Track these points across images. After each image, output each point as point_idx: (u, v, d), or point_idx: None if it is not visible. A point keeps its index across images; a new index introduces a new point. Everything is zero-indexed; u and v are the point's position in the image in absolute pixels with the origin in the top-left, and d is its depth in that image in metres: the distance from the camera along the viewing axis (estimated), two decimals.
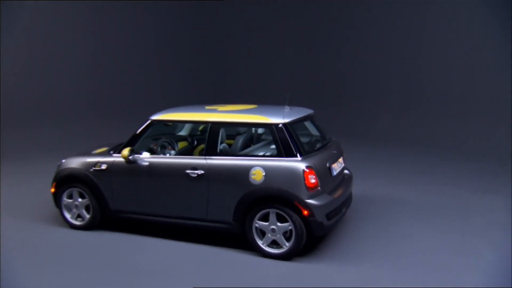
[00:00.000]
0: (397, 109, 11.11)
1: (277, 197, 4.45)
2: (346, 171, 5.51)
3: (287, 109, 5.07)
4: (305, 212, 4.37)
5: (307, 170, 4.39)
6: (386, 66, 11.48)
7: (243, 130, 5.47)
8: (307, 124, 5.31)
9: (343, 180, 5.22)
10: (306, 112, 5.16)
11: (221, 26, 14.73)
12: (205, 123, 4.95)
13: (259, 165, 4.52)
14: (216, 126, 4.82)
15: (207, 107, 5.37)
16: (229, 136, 5.65)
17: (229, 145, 5.44)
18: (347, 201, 5.07)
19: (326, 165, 4.73)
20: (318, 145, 4.92)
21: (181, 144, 6.04)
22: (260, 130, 5.95)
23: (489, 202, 6.09)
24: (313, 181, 4.41)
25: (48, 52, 10.99)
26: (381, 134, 10.91)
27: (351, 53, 12.21)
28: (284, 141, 4.54)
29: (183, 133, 6.29)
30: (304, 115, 5.02)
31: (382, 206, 6.03)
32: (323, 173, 4.61)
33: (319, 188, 4.46)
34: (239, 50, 14.62)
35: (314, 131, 5.33)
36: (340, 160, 5.19)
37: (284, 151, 4.51)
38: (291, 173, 4.41)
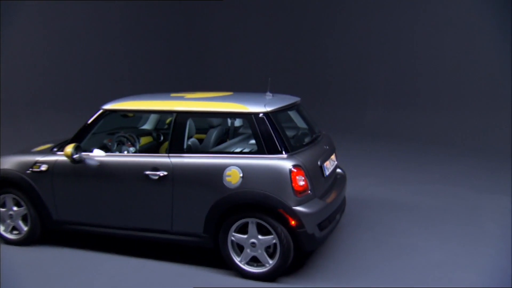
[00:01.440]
0: (386, 101, 10.37)
1: (257, 203, 3.60)
2: (338, 170, 4.69)
3: (269, 96, 4.21)
4: (293, 222, 3.53)
5: (295, 170, 3.55)
6: (374, 56, 10.69)
7: (217, 122, 4.59)
8: (293, 114, 4.47)
9: (336, 180, 4.40)
10: (292, 99, 4.31)
11: (201, 12, 13.64)
12: (169, 113, 4.04)
13: (235, 164, 3.66)
14: (182, 116, 3.92)
15: (172, 95, 4.47)
16: (200, 130, 4.76)
17: (200, 140, 4.56)
18: (341, 206, 4.26)
19: (317, 163, 3.89)
20: (306, 140, 4.07)
21: (144, 140, 5.12)
22: (237, 122, 5.08)
23: (495, 203, 5.39)
24: (301, 183, 3.57)
25: (45, 50, 10.50)
26: (369, 128, 10.13)
27: (337, 41, 11.38)
28: (266, 134, 3.68)
29: (147, 126, 5.37)
30: (289, 103, 4.17)
31: (377, 210, 5.25)
32: (314, 173, 3.77)
33: (309, 191, 3.62)
34: (219, 39, 13.60)
35: (301, 122, 4.48)
36: (333, 157, 4.36)
37: (266, 147, 3.66)
38: (275, 174, 3.57)
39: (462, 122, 9.07)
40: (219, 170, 3.68)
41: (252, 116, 3.74)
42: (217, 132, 4.56)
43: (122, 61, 12.43)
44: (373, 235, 4.52)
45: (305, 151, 3.83)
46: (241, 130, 5.04)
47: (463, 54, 9.24)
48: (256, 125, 3.71)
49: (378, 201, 5.54)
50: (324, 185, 3.96)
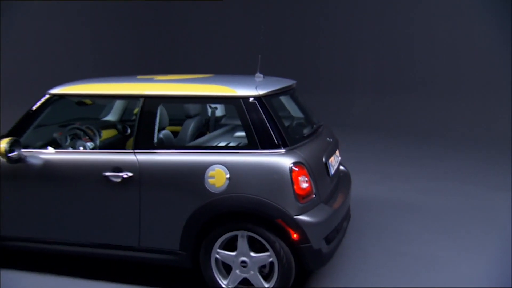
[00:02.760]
0: (378, 92, 9.62)
1: (249, 212, 2.82)
2: (341, 167, 3.95)
3: (259, 77, 3.42)
4: (295, 236, 2.77)
5: (296, 169, 2.79)
6: (365, 43, 9.90)
7: (195, 111, 3.78)
8: (286, 100, 3.70)
9: (340, 180, 3.66)
10: (287, 82, 3.53)
11: None
12: (134, 98, 3.20)
13: (220, 162, 2.86)
14: (151, 102, 3.09)
15: (139, 77, 3.63)
16: (173, 121, 3.94)
17: (174, 134, 3.75)
18: (347, 211, 3.52)
19: (322, 159, 3.14)
20: (305, 131, 3.30)
21: (107, 134, 4.27)
22: (219, 111, 4.28)
23: (504, 201, 4.77)
24: (305, 185, 2.81)
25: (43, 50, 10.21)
26: (361, 119, 9.36)
27: (327, 28, 10.51)
28: (258, 123, 2.89)
29: (111, 117, 4.51)
30: (285, 85, 3.39)
31: (382, 212, 4.55)
32: (319, 172, 3.02)
33: (313, 196, 2.87)
34: (195, 22, 12.52)
35: (295, 111, 3.71)
36: (337, 152, 3.61)
37: (259, 140, 2.87)
38: (271, 174, 2.79)
39: (460, 113, 8.46)
40: (200, 170, 2.88)
41: (241, 100, 2.95)
42: (195, 123, 3.75)
43: (120, 57, 11.77)
44: (381, 245, 3.81)
45: (306, 145, 3.07)
46: (223, 121, 4.25)
47: (461, 41, 8.59)
48: (246, 113, 2.92)
49: (381, 201, 4.84)
50: (329, 187, 3.21)
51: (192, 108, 3.74)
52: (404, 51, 9.44)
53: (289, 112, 3.73)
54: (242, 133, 3.72)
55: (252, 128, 2.89)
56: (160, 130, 3.32)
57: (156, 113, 3.08)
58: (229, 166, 2.84)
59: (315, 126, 3.45)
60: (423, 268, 3.41)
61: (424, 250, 3.70)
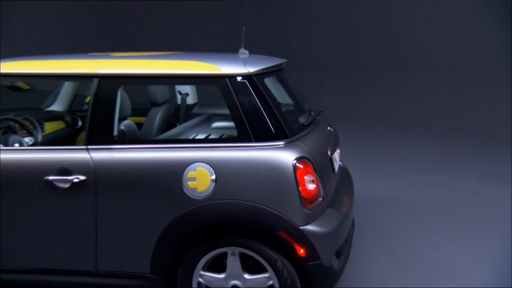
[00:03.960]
0: (365, 77, 8.94)
1: (242, 223, 2.20)
2: (339, 163, 3.38)
3: (244, 53, 2.77)
4: (302, 251, 2.17)
5: (301, 166, 2.18)
6: (343, 27, 9.23)
7: (163, 97, 3.08)
8: (271, 83, 3.07)
9: (342, 177, 3.08)
10: (277, 60, 2.89)
11: None
12: (85, 78, 2.47)
13: (202, 160, 2.21)
14: (109, 84, 2.37)
15: (91, 54, 2.90)
16: (135, 111, 3.23)
17: (138, 125, 3.05)
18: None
19: (327, 153, 2.56)
20: (304, 119, 2.69)
21: (52, 127, 3.50)
22: (191, 98, 3.61)
23: (503, 194, 4.41)
24: (311, 186, 2.21)
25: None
26: (339, 108, 8.68)
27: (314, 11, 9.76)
28: (251, 110, 2.26)
29: (57, 107, 3.72)
30: (277, 63, 2.76)
31: (378, 211, 4.05)
32: (325, 169, 2.43)
33: (321, 199, 2.28)
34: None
35: (284, 96, 3.09)
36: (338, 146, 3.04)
37: (253, 131, 2.24)
38: (270, 174, 2.17)
39: (447, 102, 8.04)
40: (176, 171, 2.22)
41: (227, 80, 2.30)
42: (164, 112, 3.07)
43: None
44: (385, 247, 3.32)
45: (308, 135, 2.47)
46: (196, 110, 3.58)
47: (455, 30, 8.12)
48: (235, 96, 2.27)
49: (374, 198, 4.33)
50: (334, 186, 2.64)
51: (159, 93, 3.04)
52: (395, 38, 8.76)
53: (279, 97, 3.12)
54: (222, 124, 3.09)
55: (243, 116, 2.25)
56: (120, 120, 2.61)
57: (116, 97, 2.37)
58: (214, 165, 2.20)
59: (313, 113, 2.85)
60: (422, 267, 3.03)
61: (423, 250, 3.29)
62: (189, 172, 2.20)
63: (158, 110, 3.05)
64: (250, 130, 2.24)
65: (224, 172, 2.19)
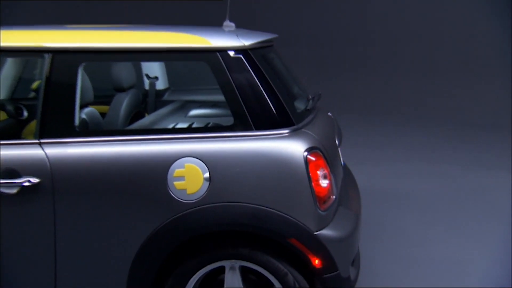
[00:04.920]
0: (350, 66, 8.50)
1: (244, 230, 1.79)
2: None
3: (230, 26, 2.33)
4: (317, 262, 1.79)
5: (313, 158, 1.80)
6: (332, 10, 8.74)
7: (129, 80, 2.59)
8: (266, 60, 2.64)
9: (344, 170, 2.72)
10: (268, 35, 2.47)
11: None
12: (33, 53, 1.94)
13: (192, 154, 1.77)
14: (66, 60, 1.87)
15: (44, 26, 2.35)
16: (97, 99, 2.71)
17: (102, 115, 2.55)
18: None
19: (335, 143, 2.19)
20: (304, 104, 2.29)
21: None
22: (161, 83, 3.13)
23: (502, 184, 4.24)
24: (325, 182, 1.83)
25: None
26: (327, 97, 8.20)
27: None
28: (249, 91, 1.84)
29: None
30: (270, 37, 2.34)
31: (377, 206, 3.74)
32: (335, 161, 2.07)
33: (334, 196, 1.91)
34: None
35: (279, 77, 2.67)
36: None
37: (252, 117, 1.83)
38: (278, 168, 1.77)
39: (438, 92, 7.80)
40: (159, 168, 1.76)
41: (218, 55, 1.86)
42: (130, 98, 2.58)
43: None
44: (391, 246, 3.03)
45: (314, 122, 2.08)
46: (167, 96, 3.11)
47: (446, 22, 7.91)
48: (228, 74, 1.84)
49: (371, 192, 4.02)
50: (341, 181, 2.28)
51: (125, 76, 2.54)
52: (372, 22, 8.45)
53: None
54: (202, 111, 2.65)
55: (240, 98, 1.83)
56: (82, 107, 2.11)
57: (76, 78, 1.87)
58: (207, 159, 1.77)
59: (311, 96, 2.46)
60: (420, 267, 2.81)
61: (421, 248, 3.06)
62: (176, 170, 1.76)
63: (124, 97, 2.56)
64: (249, 116, 1.82)
65: (220, 168, 1.76)
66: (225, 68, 1.84)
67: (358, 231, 2.07)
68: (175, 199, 1.76)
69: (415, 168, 4.72)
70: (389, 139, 5.98)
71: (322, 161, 1.84)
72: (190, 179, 1.76)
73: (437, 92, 7.83)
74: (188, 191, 1.76)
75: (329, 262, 1.79)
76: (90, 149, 1.80)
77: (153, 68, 3.04)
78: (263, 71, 1.89)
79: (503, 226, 3.37)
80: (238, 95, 1.83)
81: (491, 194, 4.01)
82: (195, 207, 1.76)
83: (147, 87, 3.06)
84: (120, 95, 2.56)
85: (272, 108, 1.84)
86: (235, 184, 1.76)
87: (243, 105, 1.82)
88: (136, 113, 2.76)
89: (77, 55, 1.87)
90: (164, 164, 1.76)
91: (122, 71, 2.53)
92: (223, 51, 1.86)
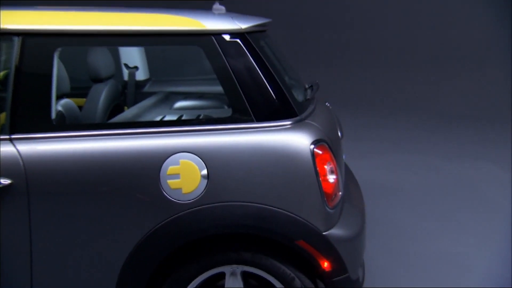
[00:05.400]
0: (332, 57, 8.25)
1: (247, 233, 1.62)
2: None
3: (220, 10, 2.14)
4: (326, 264, 1.64)
5: (320, 152, 1.65)
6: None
7: (107, 70, 2.36)
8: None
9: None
10: (261, 19, 2.29)
11: None
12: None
13: (187, 149, 1.59)
14: (39, 44, 1.64)
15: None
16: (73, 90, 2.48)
17: (79, 107, 2.32)
18: None
19: (338, 134, 2.05)
20: (302, 94, 2.12)
21: None
22: (141, 73, 2.91)
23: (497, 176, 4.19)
24: (332, 178, 1.69)
25: None
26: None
27: None
28: (249, 78, 1.67)
29: None
30: (264, 21, 2.16)
31: (370, 198, 3.61)
32: (338, 154, 1.92)
33: (340, 192, 1.77)
34: None
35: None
36: None
37: (253, 107, 1.66)
38: (284, 163, 1.61)
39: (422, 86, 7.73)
40: (151, 165, 1.57)
41: (213, 39, 1.67)
42: (109, 90, 2.37)
43: None
44: (384, 240, 2.93)
45: (315, 112, 1.93)
46: (148, 88, 2.89)
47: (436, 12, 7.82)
48: (225, 60, 1.66)
49: (367, 186, 3.91)
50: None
51: (103, 65, 2.32)
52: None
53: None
54: (189, 103, 2.46)
55: (238, 87, 1.65)
56: (58, 98, 1.89)
57: (52, 65, 1.65)
58: (204, 155, 1.59)
59: (308, 86, 2.31)
60: (415, 261, 2.71)
61: (416, 242, 2.97)
62: (169, 167, 1.57)
63: (102, 88, 2.34)
64: (249, 107, 1.65)
65: (219, 164, 1.59)
66: (221, 54, 1.66)
67: (365, 229, 1.94)
68: (169, 199, 1.57)
69: (401, 160, 4.65)
70: (375, 132, 5.89)
71: (329, 155, 1.69)
72: (185, 177, 1.57)
73: (420, 84, 7.74)
74: (184, 190, 1.57)
75: (338, 265, 1.65)
76: (70, 145, 1.59)
77: (132, 57, 2.82)
78: (262, 57, 1.72)
79: (496, 220, 3.32)
80: (237, 83, 1.65)
81: (478, 185, 3.97)
82: (191, 208, 1.58)
83: (126, 77, 2.83)
84: (98, 86, 2.34)
85: (274, 97, 1.68)
86: (236, 182, 1.59)
87: (242, 95, 1.65)
88: (115, 106, 2.54)
89: (52, 38, 1.64)
90: (156, 161, 1.57)
91: (99, 60, 2.30)
92: (219, 34, 1.68)
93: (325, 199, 1.64)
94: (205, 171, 1.57)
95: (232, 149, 1.60)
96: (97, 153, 1.58)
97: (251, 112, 1.64)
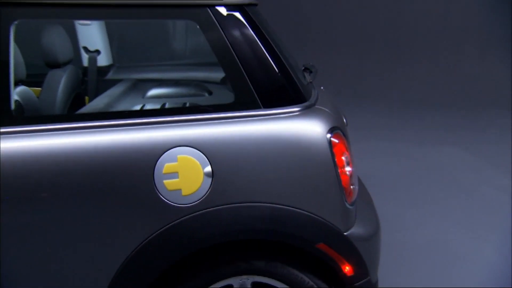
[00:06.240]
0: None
1: (260, 237, 1.39)
2: None
3: None
4: (347, 268, 1.45)
5: (336, 141, 1.44)
6: None
7: (65, 54, 2.02)
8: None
9: None
10: None
11: None
12: None
13: (186, 142, 1.32)
14: None
15: None
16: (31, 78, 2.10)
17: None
18: None
19: (344, 121, 1.85)
20: (302, 78, 1.89)
21: None
22: (104, 58, 2.57)
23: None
24: (349, 170, 1.49)
25: None
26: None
27: None
28: (253, 58, 1.42)
29: None
30: None
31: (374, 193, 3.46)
32: (349, 143, 1.73)
33: (356, 186, 1.57)
34: None
35: None
36: None
37: (258, 92, 1.41)
38: (298, 155, 1.38)
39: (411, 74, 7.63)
40: (142, 162, 1.29)
41: (209, 11, 1.41)
42: (69, 76, 2.03)
43: None
44: (399, 238, 2.79)
45: (321, 97, 1.71)
46: (112, 75, 2.55)
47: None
48: (225, 37, 1.41)
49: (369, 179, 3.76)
50: None
51: (59, 49, 1.97)
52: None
53: None
54: (162, 91, 2.17)
55: (242, 68, 1.41)
56: (16, 84, 1.55)
57: (8, 41, 1.32)
58: (206, 149, 1.33)
59: (305, 67, 2.09)
60: (418, 265, 2.54)
61: (404, 232, 2.86)
62: (165, 165, 1.30)
63: (61, 74, 2.00)
64: (254, 91, 1.41)
65: (225, 159, 1.34)
66: (220, 29, 1.40)
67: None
68: (166, 203, 1.30)
69: (373, 148, 4.57)
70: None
71: (344, 144, 1.49)
72: (185, 176, 1.31)
73: (384, 70, 7.69)
74: (184, 192, 1.31)
75: (360, 268, 1.46)
76: (39, 142, 1.28)
77: (93, 40, 2.46)
78: (265, 34, 1.48)
79: (471, 204, 3.31)
80: (240, 64, 1.40)
81: (448, 170, 3.98)
82: (194, 213, 1.32)
83: (85, 63, 2.48)
84: (55, 71, 2.00)
85: (283, 80, 1.45)
86: (245, 179, 1.34)
87: (247, 77, 1.40)
88: (76, 94, 2.20)
89: (8, 8, 1.31)
90: (149, 158, 1.29)
91: (56, 41, 1.96)
92: (215, 6, 1.42)
93: (344, 195, 1.44)
94: (208, 168, 1.32)
95: (238, 140, 1.36)
96: (76, 150, 1.27)
97: (257, 97, 1.40)
